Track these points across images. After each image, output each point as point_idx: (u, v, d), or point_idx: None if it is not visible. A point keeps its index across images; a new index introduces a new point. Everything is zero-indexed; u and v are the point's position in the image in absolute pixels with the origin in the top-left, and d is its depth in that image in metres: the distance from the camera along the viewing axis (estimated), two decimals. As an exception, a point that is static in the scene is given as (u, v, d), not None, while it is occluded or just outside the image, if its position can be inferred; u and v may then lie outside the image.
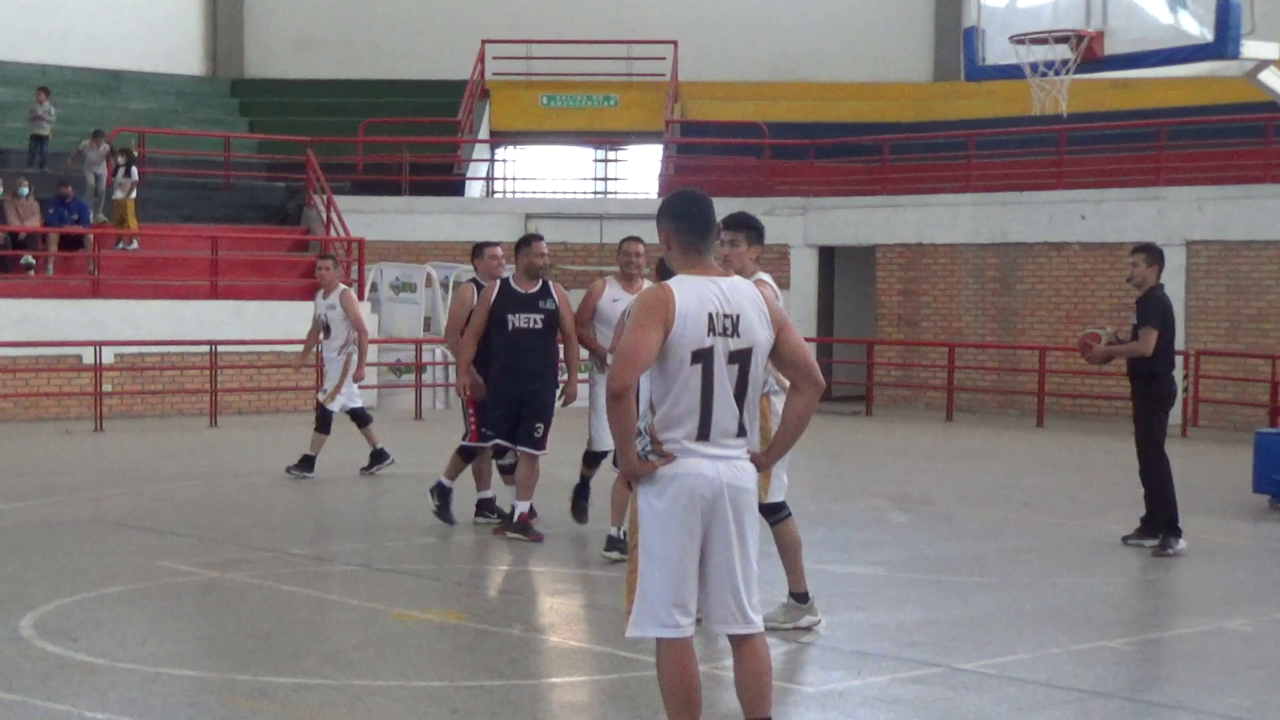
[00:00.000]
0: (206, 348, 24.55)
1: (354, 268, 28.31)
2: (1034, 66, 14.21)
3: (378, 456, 17.86)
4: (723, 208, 26.18)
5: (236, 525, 14.48)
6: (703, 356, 6.76)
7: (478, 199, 31.90)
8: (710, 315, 6.78)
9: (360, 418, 17.82)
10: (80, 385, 24.29)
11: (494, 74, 35.01)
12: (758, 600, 6.92)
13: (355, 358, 17.62)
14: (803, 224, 30.21)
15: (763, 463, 7.02)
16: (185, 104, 34.76)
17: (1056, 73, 14.06)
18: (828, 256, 30.78)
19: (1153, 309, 13.22)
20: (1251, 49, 13.74)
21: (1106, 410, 26.46)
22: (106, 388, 24.70)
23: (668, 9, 35.78)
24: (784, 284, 30.03)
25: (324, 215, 29.58)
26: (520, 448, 13.30)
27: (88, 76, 33.95)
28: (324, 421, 17.50)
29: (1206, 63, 14.51)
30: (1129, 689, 9.02)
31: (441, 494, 14.12)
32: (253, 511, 15.29)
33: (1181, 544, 13.29)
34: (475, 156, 33.77)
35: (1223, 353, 25.23)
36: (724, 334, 6.79)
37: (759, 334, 6.87)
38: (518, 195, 33.67)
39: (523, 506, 13.38)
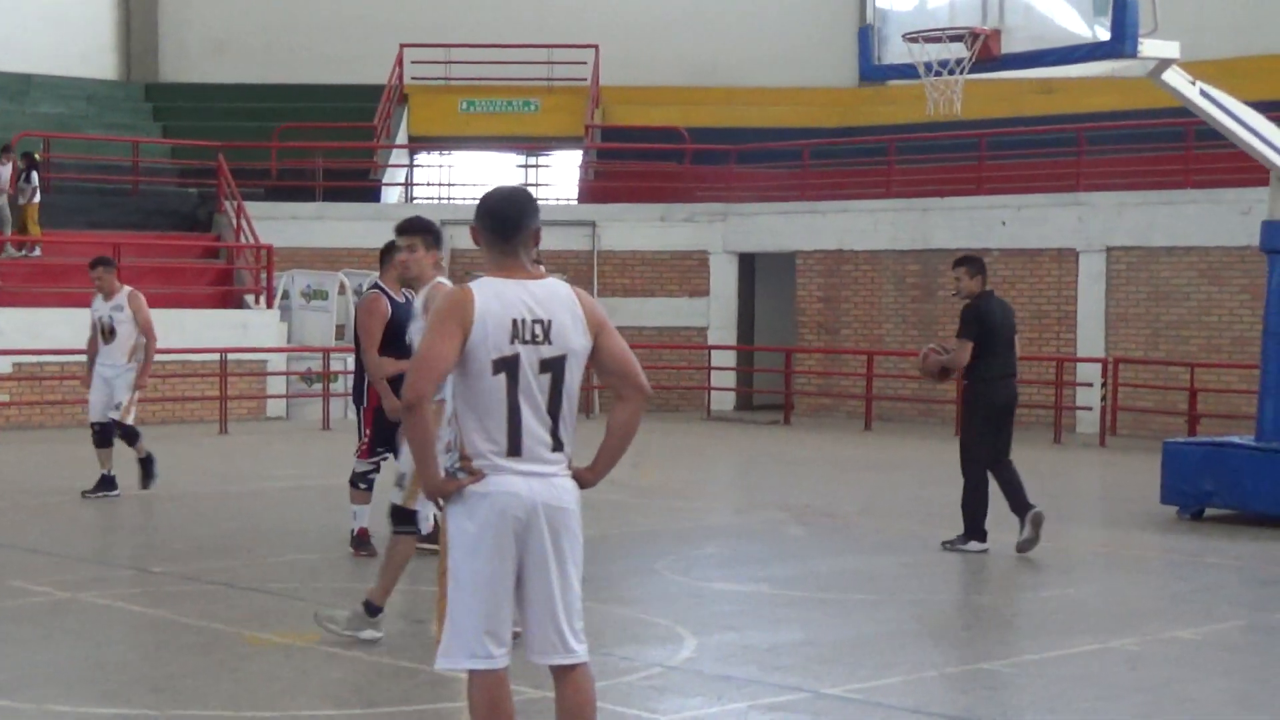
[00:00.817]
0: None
1: (263, 275, 27.77)
2: (929, 66, 13.79)
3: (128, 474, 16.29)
4: (646, 214, 25.71)
5: (105, 542, 13.95)
6: (506, 365, 6.27)
7: (392, 205, 31.32)
8: (515, 321, 6.29)
9: (130, 435, 16.21)
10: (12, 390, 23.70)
11: (412, 78, 34.46)
12: (581, 627, 6.44)
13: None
14: (723, 230, 29.78)
15: (587, 479, 6.55)
16: (97, 108, 34.08)
17: (951, 72, 13.64)
18: (748, 264, 30.34)
19: (970, 320, 13.55)
20: (1150, 48, 13.35)
21: (1027, 419, 26.07)
22: (3, 398, 24.11)
23: (589, 13, 35.26)
24: (703, 291, 29.69)
25: (234, 221, 29.00)
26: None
27: (-2, 80, 33.27)
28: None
29: (1108, 62, 14.12)
30: (1000, 715, 8.57)
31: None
32: (127, 527, 14.76)
33: (975, 546, 13.37)
34: (393, 162, 33.22)
35: (1140, 360, 24.91)
36: (532, 341, 6.30)
37: (574, 340, 6.38)
38: (434, 201, 33.08)
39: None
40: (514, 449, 6.29)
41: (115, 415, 16.13)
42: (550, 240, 29.94)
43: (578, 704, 6.44)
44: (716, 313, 29.86)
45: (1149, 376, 24.90)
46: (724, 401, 29.28)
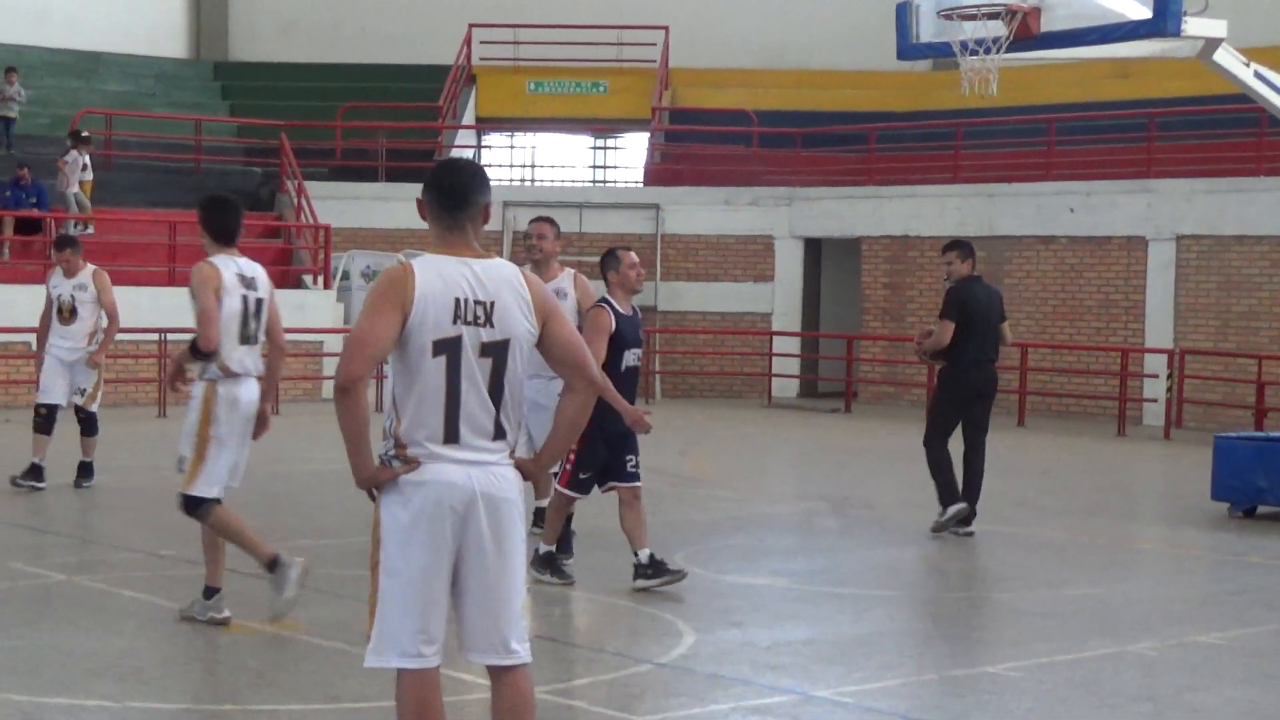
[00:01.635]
0: (157, 335, 23.80)
1: (321, 255, 27.59)
2: (964, 45, 13.33)
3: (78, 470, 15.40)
4: (711, 197, 25.35)
5: (123, 522, 13.73)
6: (447, 347, 5.93)
7: (455, 186, 31.01)
8: (458, 301, 5.94)
9: (92, 425, 15.33)
10: (29, 373, 23.55)
11: (480, 59, 34.19)
12: (524, 627, 6.10)
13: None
14: (788, 215, 29.33)
15: (531, 471, 6.20)
16: (165, 86, 34.03)
17: (988, 51, 13.18)
18: (814, 249, 29.88)
19: (951, 302, 13.60)
20: (1195, 26, 12.83)
21: (1093, 410, 25.56)
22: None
23: (657, -9, 34.89)
24: (768, 276, 29.27)
25: (295, 201, 28.85)
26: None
27: (65, 58, 33.24)
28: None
29: (1156, 43, 13.61)
30: (994, 722, 8.17)
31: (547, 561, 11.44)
32: (152, 507, 14.50)
33: (954, 509, 13.52)
34: (459, 143, 32.96)
35: (1208, 351, 24.29)
36: (474, 323, 5.95)
37: (517, 325, 6.01)
38: (498, 183, 32.79)
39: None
40: (451, 435, 5.96)
41: (79, 401, 15.30)
42: (614, 223, 29.74)
43: (514, 707, 6.10)
44: (781, 298, 29.43)
45: (1218, 369, 24.28)
46: (787, 389, 28.87)
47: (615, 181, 33.95)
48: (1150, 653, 9.60)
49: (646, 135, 32.91)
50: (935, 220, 27.69)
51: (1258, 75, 14.35)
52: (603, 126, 34.15)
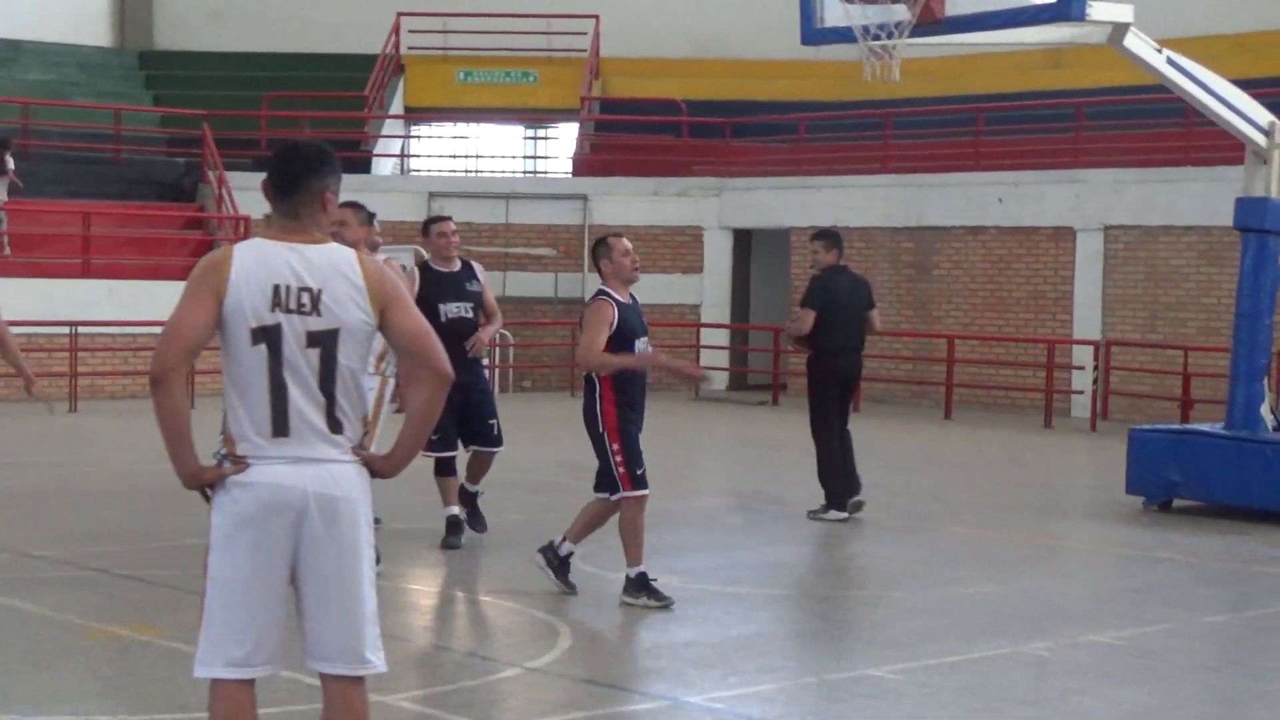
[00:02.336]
0: (68, 329, 23.35)
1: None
2: (866, 30, 13.02)
3: None
4: (640, 187, 24.96)
5: (5, 520, 13.31)
6: (267, 336, 5.58)
7: (379, 177, 30.66)
8: (277, 287, 5.60)
9: None
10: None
11: (409, 48, 33.76)
12: (374, 635, 5.73)
13: None
14: (717, 206, 29.03)
15: (381, 469, 5.83)
16: (88, 75, 33.46)
17: (890, 36, 12.87)
18: (744, 240, 29.59)
19: (813, 291, 14.08)
20: (1101, 10, 12.54)
21: (1021, 403, 25.33)
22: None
23: (590, -20, 34.49)
24: (697, 268, 28.96)
25: (216, 191, 28.40)
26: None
27: (-15, 46, 32.69)
28: None
29: (1063, 28, 13.34)
30: (869, 729, 7.86)
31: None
32: (34, 506, 14.10)
33: (835, 515, 13.80)
34: (386, 133, 32.55)
35: (1134, 343, 24.09)
36: (298, 311, 5.60)
37: (348, 314, 5.66)
38: (425, 174, 32.38)
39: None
40: (280, 430, 5.62)
41: None
42: (542, 214, 29.39)
43: (343, 721, 5.76)
44: (710, 290, 29.14)
45: (1146, 360, 24.07)
46: (716, 381, 28.52)
47: (545, 172, 33.59)
48: (1043, 653, 9.32)
49: (577, 125, 32.55)
50: (864, 210, 27.41)
51: (1170, 62, 14.10)
52: (532, 116, 33.78)
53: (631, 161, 30.34)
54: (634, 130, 31.89)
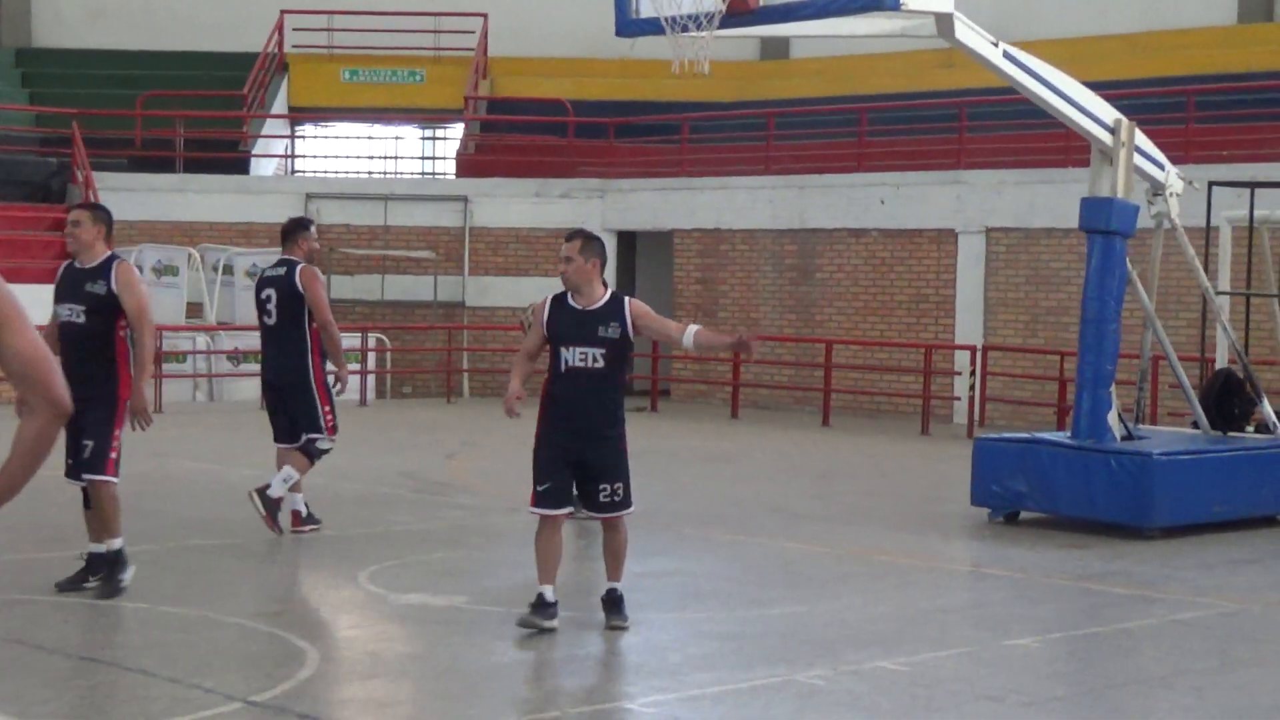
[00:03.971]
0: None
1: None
2: (674, 21, 12.38)
3: None
4: (522, 189, 24.37)
5: None
6: None
7: (255, 178, 29.90)
8: None
9: None
10: None
11: (294, 46, 33.01)
12: None
13: None
14: (601, 207, 28.41)
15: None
16: (-38, 74, 32.64)
17: (700, 28, 12.25)
18: (629, 242, 28.98)
19: None
20: (917, 0, 11.94)
21: (904, 408, 24.80)
22: None
23: (479, -20, 33.82)
24: (581, 271, 28.26)
25: (84, 193, 27.60)
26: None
27: None
28: None
29: (888, 20, 12.73)
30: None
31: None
32: None
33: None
34: (267, 133, 31.79)
35: (1013, 348, 23.60)
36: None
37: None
38: (303, 175, 31.64)
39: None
40: None
41: None
42: (421, 216, 28.68)
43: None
44: (594, 294, 28.47)
45: (1027, 365, 23.57)
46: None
47: (430, 173, 32.90)
48: (817, 681, 8.69)
49: (461, 126, 31.89)
50: (747, 212, 26.84)
51: (1007, 56, 13.54)
52: (418, 116, 33.09)
53: (517, 163, 29.71)
54: (518, 130, 31.23)
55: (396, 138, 33.77)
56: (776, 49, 33.29)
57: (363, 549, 12.49)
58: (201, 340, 26.14)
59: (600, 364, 9.55)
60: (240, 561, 11.97)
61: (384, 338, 27.57)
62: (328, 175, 31.12)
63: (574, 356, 9.58)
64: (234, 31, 33.43)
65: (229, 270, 27.23)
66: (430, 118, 33.20)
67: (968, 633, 10.15)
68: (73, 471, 10.41)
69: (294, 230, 13.06)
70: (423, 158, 33.39)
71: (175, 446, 18.83)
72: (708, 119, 30.04)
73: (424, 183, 30.21)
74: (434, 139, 33.93)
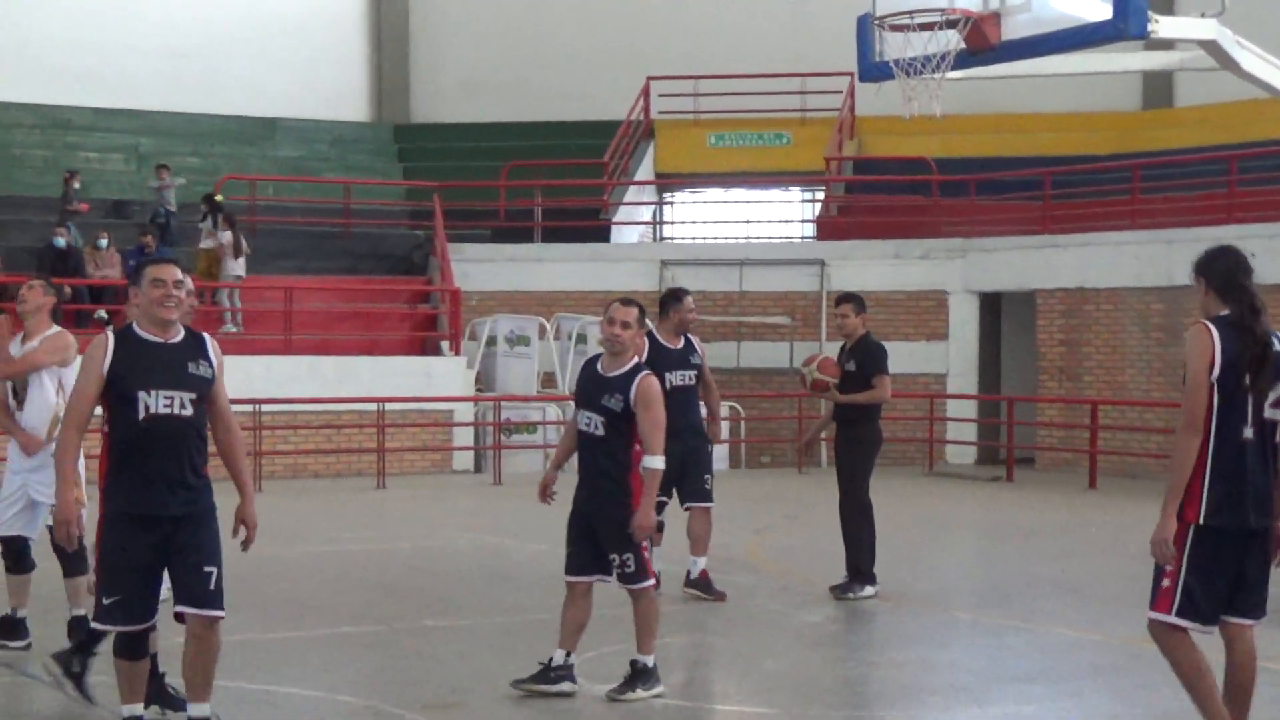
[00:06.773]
0: (252, 406, 22.81)
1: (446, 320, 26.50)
2: (910, 61, 11.39)
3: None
4: (876, 251, 23.66)
5: None
6: None
7: (611, 245, 29.68)
8: None
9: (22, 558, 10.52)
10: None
11: (660, 112, 32.81)
12: None
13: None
14: (962, 268, 27.25)
15: None
16: (339, 150, 33.43)
17: (936, 69, 11.24)
18: (992, 304, 27.73)
19: (883, 356, 13.64)
20: (1169, 26, 10.72)
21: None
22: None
23: (846, 39, 32.91)
24: (941, 335, 27.24)
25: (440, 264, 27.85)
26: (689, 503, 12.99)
27: (240, 125, 32.85)
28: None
29: (1169, 54, 11.52)
30: None
31: None
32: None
33: (869, 590, 12.98)
34: (631, 200, 31.60)
35: None
36: None
37: None
38: (662, 241, 31.33)
39: (702, 563, 12.96)
40: None
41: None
42: (776, 280, 27.97)
43: None
44: (955, 358, 27.36)
45: None
46: (964, 455, 26.77)
47: (771, 237, 32.17)
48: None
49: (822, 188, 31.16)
50: (1111, 270, 25.34)
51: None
52: (779, 180, 32.48)
53: (875, 224, 28.81)
54: (880, 190, 30.33)
55: (758, 201, 33.18)
56: (1159, 97, 31.66)
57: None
58: (553, 411, 25.86)
59: (599, 431, 9.22)
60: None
61: (738, 406, 26.92)
62: (682, 241, 30.75)
63: (581, 420, 9.36)
64: (602, 101, 33.46)
65: (583, 339, 26.98)
66: (794, 180, 32.55)
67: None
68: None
69: (668, 301, 13.29)
70: (780, 221, 32.70)
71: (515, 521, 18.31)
72: (1074, 173, 28.58)
73: (780, 247, 29.55)
74: (797, 202, 33.27)
